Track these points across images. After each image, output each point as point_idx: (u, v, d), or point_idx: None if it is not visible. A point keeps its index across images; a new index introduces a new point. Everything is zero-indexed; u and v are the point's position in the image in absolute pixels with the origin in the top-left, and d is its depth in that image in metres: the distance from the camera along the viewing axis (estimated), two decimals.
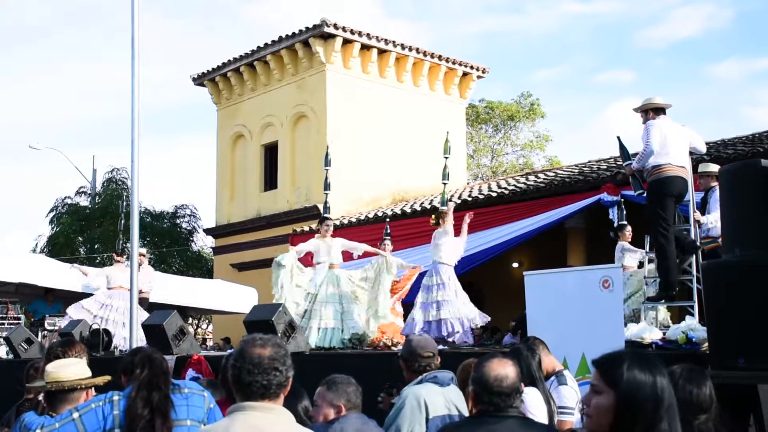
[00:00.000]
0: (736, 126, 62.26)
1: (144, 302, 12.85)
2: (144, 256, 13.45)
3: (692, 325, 6.40)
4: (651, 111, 7.42)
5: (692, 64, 57.64)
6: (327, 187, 11.36)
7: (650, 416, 2.18)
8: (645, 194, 7.72)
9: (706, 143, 15.02)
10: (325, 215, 10.92)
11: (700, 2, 56.67)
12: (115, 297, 12.92)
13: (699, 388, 2.90)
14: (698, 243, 7.53)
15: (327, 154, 11.52)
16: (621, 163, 7.98)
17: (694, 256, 7.37)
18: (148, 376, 3.55)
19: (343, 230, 18.35)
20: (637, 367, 2.21)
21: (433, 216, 10.37)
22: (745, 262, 4.72)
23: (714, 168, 8.35)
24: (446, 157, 10.76)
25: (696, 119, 53.55)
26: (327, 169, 11.39)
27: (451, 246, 9.98)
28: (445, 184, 10.59)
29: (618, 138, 7.97)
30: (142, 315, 12.27)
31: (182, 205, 29.30)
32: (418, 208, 17.27)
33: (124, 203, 15.33)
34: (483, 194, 16.35)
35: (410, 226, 16.29)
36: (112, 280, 13.21)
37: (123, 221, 14.16)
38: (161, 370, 3.62)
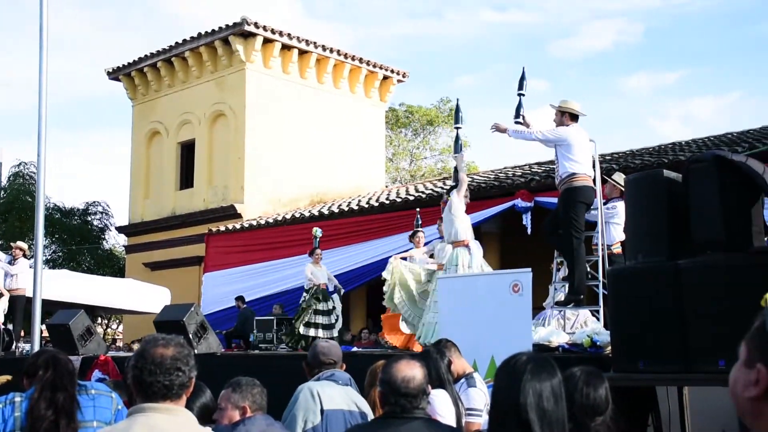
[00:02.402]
0: (644, 137, 64.63)
1: (20, 300, 12.34)
2: (22, 249, 12.87)
3: (597, 330, 6.61)
4: (568, 115, 7.60)
5: (604, 76, 59.55)
6: (459, 148, 8.99)
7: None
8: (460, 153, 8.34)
9: (615, 153, 15.63)
10: (453, 184, 8.95)
11: (611, 17, 58.57)
12: None
13: (595, 390, 2.98)
14: (603, 249, 7.76)
15: (458, 109, 9.15)
16: (455, 125, 8.39)
17: (600, 260, 7.60)
18: (52, 377, 3.44)
19: (260, 230, 18.21)
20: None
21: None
22: (646, 269, 4.90)
23: (622, 180, 8.63)
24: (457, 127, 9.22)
25: (606, 130, 55.32)
26: (458, 128, 9.13)
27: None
28: None
29: (457, 100, 8.36)
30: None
31: (94, 202, 28.53)
32: (336, 210, 17.26)
33: None
34: (401, 197, 16.46)
35: (328, 229, 16.26)
36: None
37: None
38: (66, 370, 3.52)
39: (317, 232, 12.30)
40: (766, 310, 1.35)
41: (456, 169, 8.81)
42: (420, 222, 11.34)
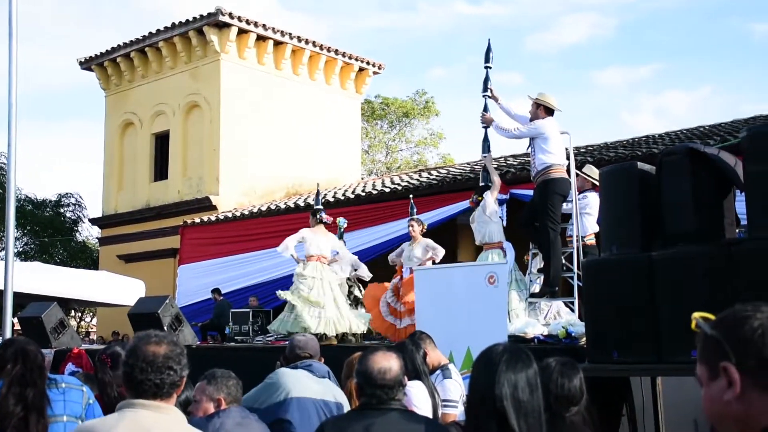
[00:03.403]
0: (617, 130, 65.10)
1: None
2: None
3: (572, 321, 6.67)
4: (543, 108, 7.66)
5: (578, 69, 59.88)
6: (487, 148, 8.43)
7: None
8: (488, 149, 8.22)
9: (589, 146, 15.73)
10: (482, 184, 8.66)
11: (585, 10, 58.88)
12: None
13: (570, 381, 3.01)
14: (575, 240, 7.82)
15: (486, 108, 8.29)
16: (482, 125, 8.23)
17: (575, 252, 7.66)
18: (21, 371, 3.38)
19: (236, 222, 18.12)
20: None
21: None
22: (620, 260, 4.94)
23: (595, 173, 8.71)
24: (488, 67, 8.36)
25: (580, 123, 55.69)
26: (485, 127, 8.28)
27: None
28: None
29: (485, 100, 8.21)
30: None
31: (66, 194, 28.24)
32: (312, 202, 17.21)
33: None
34: (377, 189, 16.46)
35: (304, 221, 16.21)
36: None
37: None
38: (35, 364, 3.46)
39: (342, 222, 11.71)
40: (701, 324, 1.41)
41: (485, 169, 8.72)
42: (415, 210, 10.26)
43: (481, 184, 8.75)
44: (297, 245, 9.81)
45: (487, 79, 8.13)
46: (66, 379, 3.68)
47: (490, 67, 8.08)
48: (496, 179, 8.66)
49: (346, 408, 3.95)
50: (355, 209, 15.86)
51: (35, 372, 3.41)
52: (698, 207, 4.68)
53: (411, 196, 11.46)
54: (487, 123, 8.10)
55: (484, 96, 8.12)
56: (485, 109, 8.20)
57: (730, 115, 55.72)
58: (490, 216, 8.41)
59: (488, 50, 8.21)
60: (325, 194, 18.22)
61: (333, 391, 3.98)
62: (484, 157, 8.58)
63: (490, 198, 8.46)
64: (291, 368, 4.07)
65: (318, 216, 9.85)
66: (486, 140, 8.45)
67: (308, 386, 3.90)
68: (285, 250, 9.69)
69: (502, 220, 12.32)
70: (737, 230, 5.00)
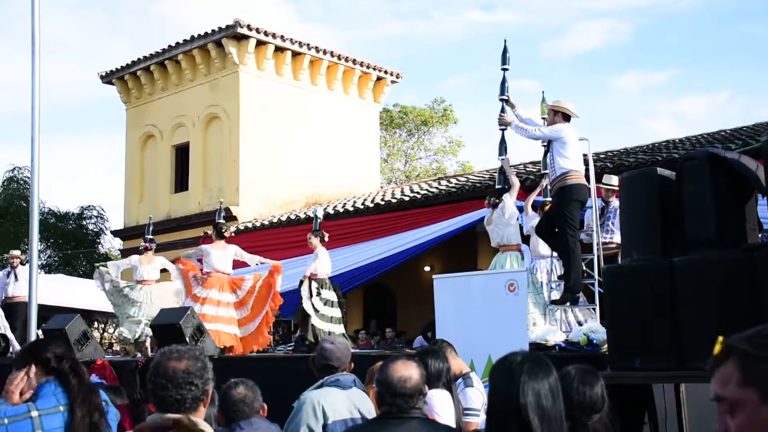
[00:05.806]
0: (636, 136, 64.54)
1: (22, 306, 12.28)
2: (18, 258, 12.86)
3: (593, 327, 6.62)
4: (561, 115, 7.64)
5: (594, 75, 59.40)
6: (503, 151, 8.44)
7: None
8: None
9: (609, 152, 15.67)
10: (499, 187, 8.80)
11: (601, 16, 58.46)
12: None
13: (591, 388, 2.99)
14: (597, 247, 7.78)
15: (503, 109, 8.23)
16: (500, 127, 8.22)
17: (595, 258, 7.62)
18: (89, 401, 3.02)
19: (256, 233, 18.19)
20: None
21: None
22: (641, 267, 4.91)
23: (614, 181, 8.67)
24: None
25: (598, 129, 55.24)
26: (503, 129, 8.33)
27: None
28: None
29: (499, 123, 8.20)
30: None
31: (89, 206, 28.47)
32: (331, 211, 17.26)
33: None
34: (396, 198, 16.47)
35: (323, 230, 16.23)
36: None
37: None
38: (93, 387, 3.13)
39: (316, 210, 12.10)
40: (743, 347, 1.38)
41: (502, 172, 8.74)
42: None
43: (497, 186, 8.73)
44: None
45: (504, 81, 8.12)
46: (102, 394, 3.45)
47: (507, 69, 8.06)
48: (515, 180, 8.64)
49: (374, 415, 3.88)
50: (375, 218, 15.89)
51: (93, 401, 3.06)
52: (719, 212, 4.65)
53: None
54: (505, 124, 8.08)
55: (501, 99, 8.12)
56: (503, 110, 8.20)
57: (748, 119, 55.04)
58: (509, 219, 8.39)
59: (505, 52, 8.21)
60: (344, 203, 18.26)
61: (359, 404, 3.87)
62: (502, 159, 8.56)
63: (510, 200, 8.44)
64: (317, 388, 3.92)
65: (143, 244, 12.22)
66: (503, 143, 8.43)
67: (338, 407, 3.75)
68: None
69: (522, 227, 12.33)
70: (759, 235, 4.96)
